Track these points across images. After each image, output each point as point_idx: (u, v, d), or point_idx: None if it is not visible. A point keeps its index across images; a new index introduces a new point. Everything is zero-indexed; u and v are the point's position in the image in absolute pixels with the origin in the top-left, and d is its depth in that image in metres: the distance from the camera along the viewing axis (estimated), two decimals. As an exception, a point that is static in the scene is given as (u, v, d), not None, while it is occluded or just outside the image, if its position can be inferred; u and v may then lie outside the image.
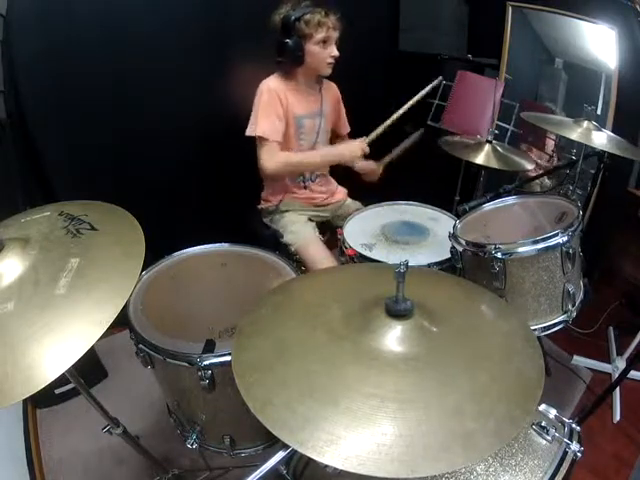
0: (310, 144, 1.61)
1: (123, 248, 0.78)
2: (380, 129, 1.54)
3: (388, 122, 1.53)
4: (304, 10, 1.37)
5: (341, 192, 1.81)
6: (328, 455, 0.54)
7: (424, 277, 0.99)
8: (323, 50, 1.42)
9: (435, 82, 1.63)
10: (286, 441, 0.56)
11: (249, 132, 1.45)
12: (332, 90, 1.67)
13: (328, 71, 1.49)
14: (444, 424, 0.57)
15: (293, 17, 1.36)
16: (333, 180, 1.79)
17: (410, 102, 1.55)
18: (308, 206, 1.70)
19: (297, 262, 1.56)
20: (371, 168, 1.69)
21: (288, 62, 1.44)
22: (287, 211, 1.66)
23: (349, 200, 1.81)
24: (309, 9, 1.37)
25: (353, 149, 1.52)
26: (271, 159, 1.44)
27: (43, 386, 0.59)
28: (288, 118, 1.51)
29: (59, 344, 0.63)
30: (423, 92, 1.57)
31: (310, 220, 1.68)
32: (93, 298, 0.68)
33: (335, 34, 1.42)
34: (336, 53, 1.44)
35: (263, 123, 1.43)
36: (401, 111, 1.53)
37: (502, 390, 0.63)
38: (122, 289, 0.70)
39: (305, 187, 1.67)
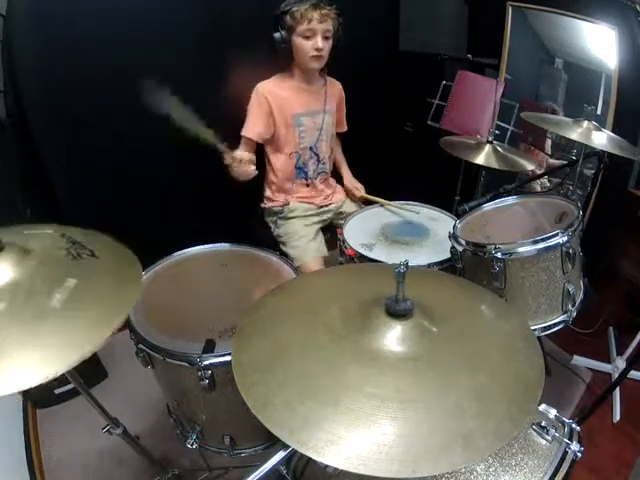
0: (313, 142, 1.62)
1: (120, 277, 0.77)
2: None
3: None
4: (294, 4, 1.36)
5: (340, 192, 1.82)
6: (328, 455, 0.54)
7: (424, 277, 0.99)
8: (306, 43, 1.40)
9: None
10: (286, 441, 0.56)
11: None
12: (337, 88, 1.68)
13: (314, 65, 1.46)
14: (444, 424, 0.57)
15: (281, 10, 1.37)
16: (333, 181, 1.81)
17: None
18: (312, 208, 1.70)
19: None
20: (353, 190, 1.79)
21: (279, 56, 1.45)
22: (293, 218, 1.66)
23: (349, 200, 1.82)
24: (299, 2, 1.36)
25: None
26: None
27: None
28: (284, 118, 1.52)
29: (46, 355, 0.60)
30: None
31: (315, 224, 1.69)
32: (87, 317, 0.67)
33: (320, 27, 1.38)
34: (319, 46, 1.40)
35: (247, 123, 1.55)
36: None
37: (502, 390, 0.63)
38: (117, 310, 0.70)
39: (308, 185, 1.68)
